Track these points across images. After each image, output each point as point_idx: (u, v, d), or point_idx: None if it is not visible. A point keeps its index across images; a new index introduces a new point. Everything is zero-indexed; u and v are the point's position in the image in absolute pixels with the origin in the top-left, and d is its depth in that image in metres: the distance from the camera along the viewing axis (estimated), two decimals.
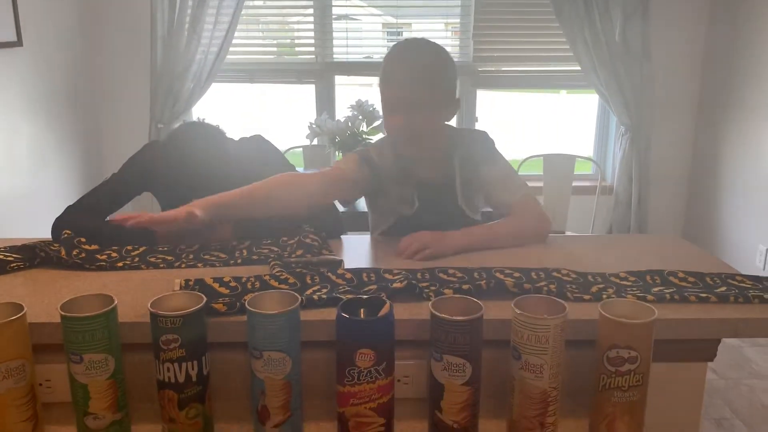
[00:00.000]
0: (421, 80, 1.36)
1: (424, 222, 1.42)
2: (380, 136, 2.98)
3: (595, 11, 3.41)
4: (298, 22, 3.91)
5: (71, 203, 1.51)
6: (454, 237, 1.37)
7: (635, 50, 3.45)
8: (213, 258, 1.31)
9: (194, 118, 3.67)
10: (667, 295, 1.09)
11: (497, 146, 1.56)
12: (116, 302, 0.89)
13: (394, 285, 1.10)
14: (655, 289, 1.13)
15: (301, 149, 3.58)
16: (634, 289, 1.13)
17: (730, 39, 3.44)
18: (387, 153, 1.51)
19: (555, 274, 1.20)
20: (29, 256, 1.28)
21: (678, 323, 1.03)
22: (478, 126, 3.94)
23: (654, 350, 0.89)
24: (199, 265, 1.27)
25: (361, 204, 2.86)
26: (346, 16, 3.82)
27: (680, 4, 3.59)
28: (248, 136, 1.69)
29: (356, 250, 1.43)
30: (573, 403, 1.01)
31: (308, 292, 1.09)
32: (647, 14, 3.42)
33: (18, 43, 2.84)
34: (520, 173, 3.59)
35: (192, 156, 1.45)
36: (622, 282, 1.17)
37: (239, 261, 1.29)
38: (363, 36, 3.94)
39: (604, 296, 1.09)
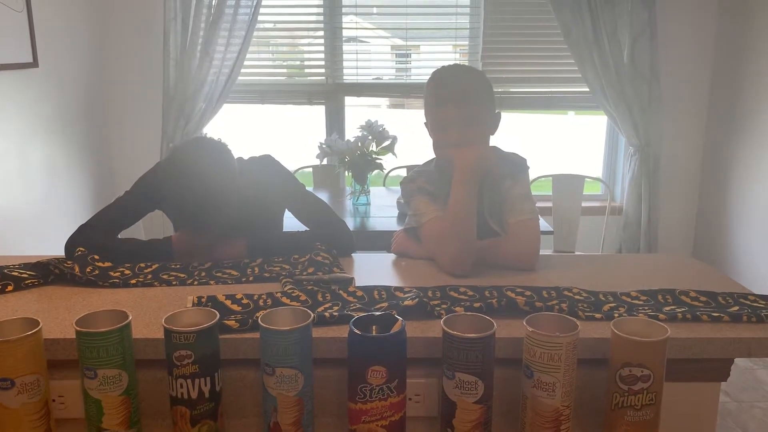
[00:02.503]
0: (474, 97, 1.45)
1: None
2: (390, 156, 3.03)
3: (603, 33, 3.43)
4: (308, 44, 3.97)
5: (83, 223, 1.52)
6: None
7: (643, 71, 3.47)
8: (225, 275, 1.32)
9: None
10: (679, 314, 1.09)
11: (528, 173, 1.58)
12: (130, 318, 0.90)
13: (405, 303, 1.10)
14: (667, 308, 1.12)
15: (311, 169, 3.61)
16: (646, 308, 1.13)
17: (738, 59, 3.46)
18: (436, 177, 1.52)
19: (566, 292, 1.20)
20: (43, 273, 1.29)
21: (690, 342, 1.02)
22: None
23: (666, 370, 0.88)
24: (212, 282, 1.28)
25: (371, 223, 2.89)
26: (355, 39, 3.87)
27: (687, 25, 3.62)
28: (257, 155, 1.70)
29: (367, 268, 1.44)
30: (585, 422, 1.00)
31: (320, 309, 1.09)
32: (655, 35, 3.45)
33: (34, 64, 2.89)
34: None
35: (196, 170, 1.45)
36: (633, 301, 1.17)
37: (251, 278, 1.30)
38: (372, 58, 3.99)
39: (616, 315, 1.08)
